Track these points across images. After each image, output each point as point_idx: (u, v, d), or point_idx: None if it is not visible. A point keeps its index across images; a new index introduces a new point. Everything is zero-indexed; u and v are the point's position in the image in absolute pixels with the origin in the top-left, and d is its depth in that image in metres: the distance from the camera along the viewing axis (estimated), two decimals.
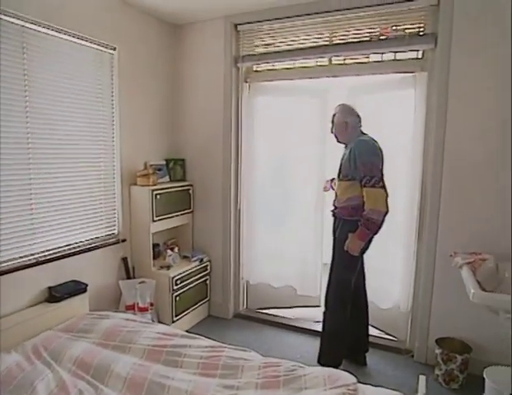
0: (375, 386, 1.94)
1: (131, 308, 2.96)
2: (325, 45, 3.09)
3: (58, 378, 1.90)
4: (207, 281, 3.61)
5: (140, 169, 3.27)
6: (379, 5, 2.80)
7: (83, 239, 2.85)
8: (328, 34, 3.08)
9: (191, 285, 3.37)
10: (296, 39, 3.18)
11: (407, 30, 2.81)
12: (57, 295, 2.54)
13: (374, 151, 2.51)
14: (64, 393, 1.80)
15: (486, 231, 2.62)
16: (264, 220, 3.64)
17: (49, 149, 2.56)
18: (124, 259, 3.19)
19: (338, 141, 2.74)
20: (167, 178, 3.51)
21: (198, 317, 3.55)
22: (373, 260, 2.93)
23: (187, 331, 2.89)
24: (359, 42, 2.97)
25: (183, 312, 3.29)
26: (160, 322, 3.07)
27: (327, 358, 2.69)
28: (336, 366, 2.47)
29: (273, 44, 3.29)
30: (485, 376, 2.24)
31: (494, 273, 2.27)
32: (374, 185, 2.43)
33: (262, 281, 3.67)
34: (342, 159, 2.66)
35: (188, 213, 3.59)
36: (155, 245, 3.34)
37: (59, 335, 2.28)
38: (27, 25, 2.36)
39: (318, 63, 3.20)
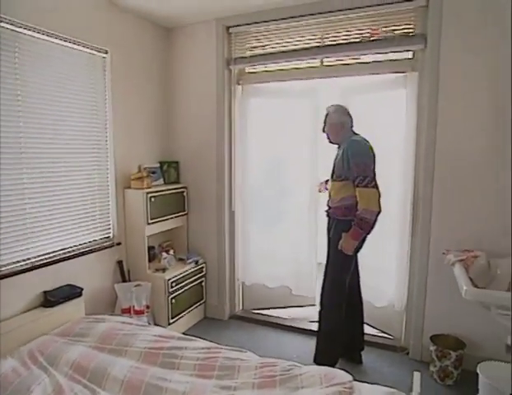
0: (371, 383, 1.95)
1: (127, 311, 2.96)
2: (317, 47, 3.11)
3: (55, 382, 1.90)
4: (203, 283, 3.62)
5: (134, 172, 3.27)
6: (369, 6, 2.82)
7: (78, 243, 2.85)
8: (319, 36, 3.10)
9: (187, 288, 3.37)
10: (288, 40, 3.20)
11: (397, 31, 2.85)
12: (52, 299, 2.53)
13: (367, 151, 2.54)
14: None
15: (477, 229, 2.65)
16: (259, 221, 3.66)
17: (43, 153, 2.56)
18: (120, 262, 3.19)
19: (330, 142, 2.76)
20: (161, 181, 3.52)
21: (194, 319, 3.56)
22: (368, 259, 2.96)
23: (183, 333, 2.90)
24: (350, 43, 3.00)
25: (180, 314, 3.29)
26: (156, 324, 3.08)
27: (323, 357, 2.71)
28: (332, 365, 2.50)
29: (265, 45, 3.32)
30: (478, 372, 2.27)
31: (486, 270, 2.31)
32: (366, 185, 2.45)
33: (258, 282, 3.68)
34: (335, 159, 2.68)
35: (182, 215, 3.59)
36: (150, 248, 3.34)
37: (55, 339, 2.27)
38: (18, 29, 2.36)
39: (310, 65, 3.22)
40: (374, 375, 2.71)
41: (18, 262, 2.44)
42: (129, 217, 3.21)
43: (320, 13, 2.98)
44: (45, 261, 2.59)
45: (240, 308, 3.78)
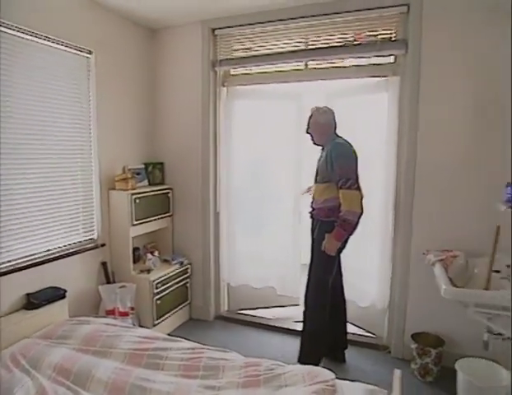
0: (353, 381, 1.99)
1: (111, 312, 2.95)
2: (301, 50, 3.15)
3: (38, 385, 1.89)
4: (188, 284, 3.62)
5: (118, 173, 3.26)
6: (353, 11, 2.88)
7: (62, 245, 2.82)
8: (304, 39, 3.15)
9: (171, 289, 3.37)
10: (273, 43, 3.24)
11: (379, 36, 2.91)
12: (35, 301, 2.51)
13: (350, 154, 2.58)
14: None
15: (456, 229, 2.73)
16: (243, 222, 3.68)
17: (25, 154, 2.54)
18: (104, 264, 3.18)
19: (314, 143, 2.79)
20: (146, 182, 3.51)
21: (179, 320, 3.56)
22: (351, 260, 3.01)
23: (168, 334, 2.89)
24: (333, 47, 3.05)
25: (164, 315, 3.29)
26: (141, 326, 3.07)
27: (307, 357, 2.74)
28: (316, 364, 2.53)
29: (250, 48, 3.34)
30: (457, 368, 2.33)
31: (464, 269, 2.38)
32: (350, 187, 2.49)
33: (243, 283, 3.70)
34: (319, 161, 2.72)
35: (167, 217, 3.59)
36: (135, 249, 3.34)
37: (38, 342, 2.25)
38: (1, 28, 2.33)
39: (295, 67, 3.26)
40: (357, 373, 2.75)
41: (1, 264, 2.41)
42: (114, 218, 3.20)
43: (305, 17, 3.03)
44: (28, 263, 2.57)
45: (225, 308, 3.79)
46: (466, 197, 2.69)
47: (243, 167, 3.61)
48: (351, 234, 2.59)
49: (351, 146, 2.62)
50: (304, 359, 2.74)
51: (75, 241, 2.94)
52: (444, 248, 2.62)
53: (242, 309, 3.76)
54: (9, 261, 2.46)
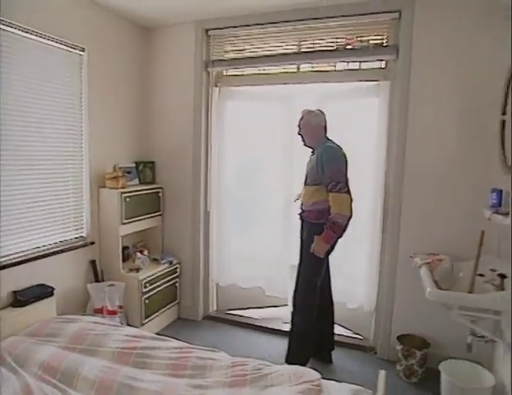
0: (339, 382, 2.01)
1: (99, 311, 2.93)
2: (294, 53, 3.18)
3: (24, 383, 1.87)
4: (177, 284, 3.62)
5: (109, 171, 3.25)
6: (345, 16, 2.91)
7: (50, 242, 2.81)
8: (297, 43, 3.18)
9: (160, 288, 3.37)
10: (266, 46, 3.26)
11: (371, 41, 2.95)
12: (22, 299, 2.49)
13: (340, 157, 2.61)
14: None
15: (443, 233, 2.78)
16: (234, 222, 3.69)
17: (15, 150, 2.52)
18: (93, 262, 3.16)
19: (305, 145, 2.81)
20: (137, 181, 3.50)
21: (168, 319, 3.55)
22: (340, 262, 3.04)
23: (156, 333, 2.89)
24: (326, 51, 3.08)
25: (153, 314, 3.29)
26: (129, 325, 3.06)
27: (294, 357, 2.76)
28: (303, 364, 2.55)
29: (244, 49, 3.36)
30: (440, 369, 2.37)
31: (449, 273, 2.42)
32: (339, 190, 2.52)
33: (232, 283, 3.71)
34: (309, 164, 2.75)
35: (157, 216, 3.59)
36: (124, 248, 3.33)
37: (24, 340, 2.23)
38: None
39: (287, 70, 3.29)
40: (344, 374, 2.79)
41: None
42: (103, 217, 3.19)
43: (298, 20, 3.05)
44: (16, 260, 2.55)
45: (214, 308, 3.80)
46: (453, 201, 2.74)
47: (234, 167, 3.62)
48: (340, 237, 2.62)
49: (341, 149, 2.65)
50: (291, 359, 2.76)
51: (64, 239, 2.92)
52: (430, 252, 2.66)
53: (231, 309, 3.78)
54: None
